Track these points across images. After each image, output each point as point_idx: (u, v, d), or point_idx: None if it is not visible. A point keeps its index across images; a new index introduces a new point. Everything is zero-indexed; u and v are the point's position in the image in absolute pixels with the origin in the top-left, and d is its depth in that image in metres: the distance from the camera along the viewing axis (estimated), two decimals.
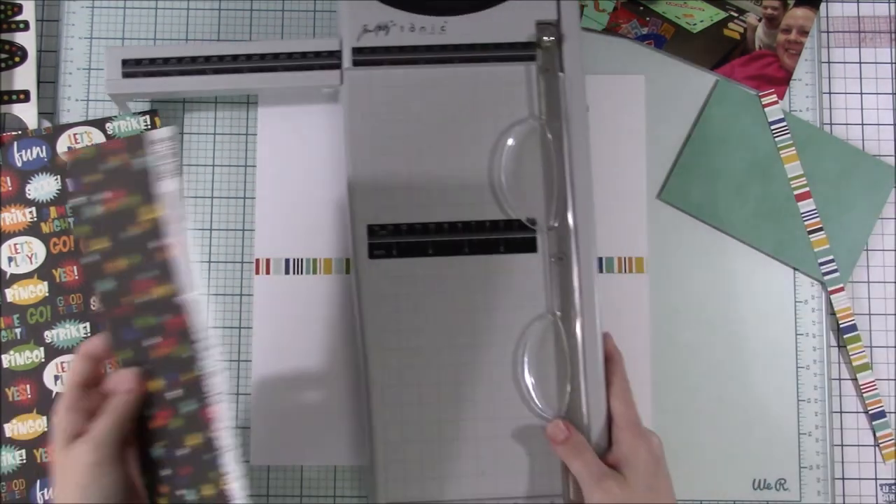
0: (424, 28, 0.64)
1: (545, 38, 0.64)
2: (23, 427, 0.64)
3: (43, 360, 0.65)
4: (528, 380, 0.61)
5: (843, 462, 0.67)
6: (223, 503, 0.54)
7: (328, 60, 0.64)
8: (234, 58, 0.64)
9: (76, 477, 0.51)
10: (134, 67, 0.64)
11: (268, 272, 0.67)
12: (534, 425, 0.61)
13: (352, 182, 0.63)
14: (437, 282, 0.62)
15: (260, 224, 0.68)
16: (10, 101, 0.67)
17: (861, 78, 0.70)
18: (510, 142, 0.63)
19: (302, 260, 0.67)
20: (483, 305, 0.62)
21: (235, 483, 0.54)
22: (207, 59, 0.64)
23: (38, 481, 0.64)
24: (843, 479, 0.67)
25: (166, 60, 0.64)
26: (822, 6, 0.71)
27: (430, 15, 0.64)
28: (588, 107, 0.63)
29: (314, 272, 0.67)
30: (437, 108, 0.64)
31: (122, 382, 0.54)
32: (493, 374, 0.61)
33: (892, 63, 0.71)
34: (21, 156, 0.66)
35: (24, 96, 0.67)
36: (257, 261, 0.67)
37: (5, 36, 0.67)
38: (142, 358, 0.55)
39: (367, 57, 0.64)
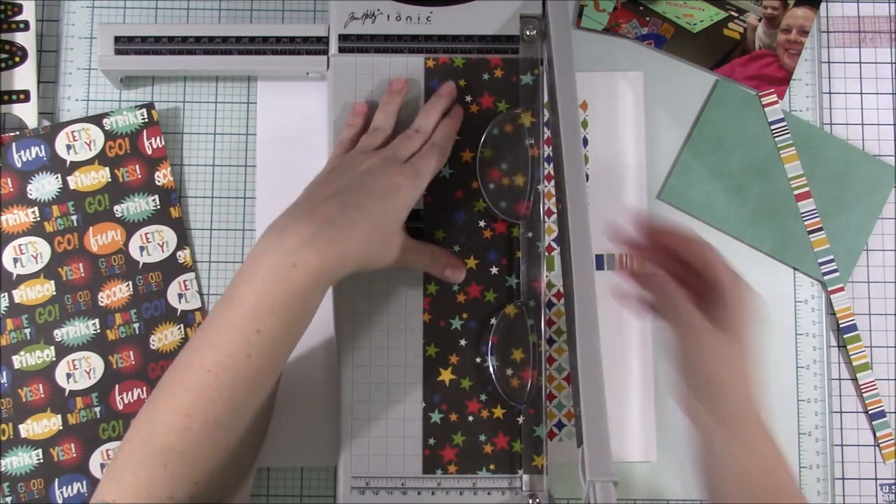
0: (410, 17, 0.65)
1: (528, 31, 0.64)
2: (38, 427, 0.64)
3: (54, 358, 0.65)
4: (492, 363, 0.62)
5: (843, 462, 0.67)
6: None
7: (316, 46, 0.65)
8: (224, 39, 0.65)
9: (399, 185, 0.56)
10: (126, 44, 0.65)
11: None
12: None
13: None
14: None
15: (261, 226, 0.68)
16: (10, 101, 0.67)
17: (861, 78, 0.70)
18: (495, 132, 0.64)
19: None
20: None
21: None
22: (198, 39, 0.65)
23: (57, 480, 0.64)
24: (843, 479, 0.67)
25: (158, 39, 0.65)
26: (822, 6, 0.71)
27: (416, 5, 0.65)
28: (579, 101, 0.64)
29: None
30: (420, 97, 0.65)
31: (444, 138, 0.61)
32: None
33: (892, 63, 0.71)
34: (20, 156, 0.66)
35: (24, 96, 0.67)
36: None
37: (5, 36, 0.67)
38: None
39: (352, 44, 0.65)
